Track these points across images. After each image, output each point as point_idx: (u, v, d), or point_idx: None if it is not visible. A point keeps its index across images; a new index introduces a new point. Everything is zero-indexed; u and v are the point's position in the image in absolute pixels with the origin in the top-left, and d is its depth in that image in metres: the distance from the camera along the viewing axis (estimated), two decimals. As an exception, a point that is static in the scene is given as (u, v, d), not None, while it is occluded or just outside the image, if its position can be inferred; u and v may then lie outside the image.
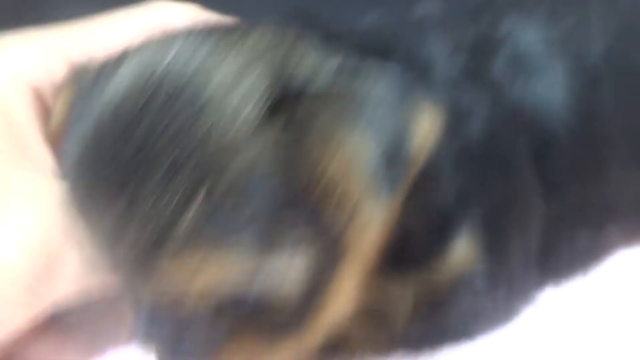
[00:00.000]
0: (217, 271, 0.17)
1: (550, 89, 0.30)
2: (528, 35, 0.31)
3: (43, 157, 0.22)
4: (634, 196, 0.33)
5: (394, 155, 0.19)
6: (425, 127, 0.20)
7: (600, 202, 0.32)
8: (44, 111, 0.23)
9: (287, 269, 0.19)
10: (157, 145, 0.16)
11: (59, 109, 0.22)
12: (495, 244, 0.28)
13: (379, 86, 0.19)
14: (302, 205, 0.18)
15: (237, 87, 0.18)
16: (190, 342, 0.19)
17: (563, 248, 0.32)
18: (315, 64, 0.19)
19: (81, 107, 0.19)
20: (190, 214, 0.16)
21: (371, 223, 0.20)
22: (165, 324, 0.19)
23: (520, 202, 0.29)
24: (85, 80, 0.20)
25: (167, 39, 0.19)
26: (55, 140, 0.23)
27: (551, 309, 0.31)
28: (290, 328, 0.21)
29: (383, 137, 0.18)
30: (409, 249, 0.24)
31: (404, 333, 0.29)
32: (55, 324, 0.24)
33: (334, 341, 0.29)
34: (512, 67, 0.29)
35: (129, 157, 0.16)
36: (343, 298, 0.22)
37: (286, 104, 0.18)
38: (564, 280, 0.33)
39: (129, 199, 0.16)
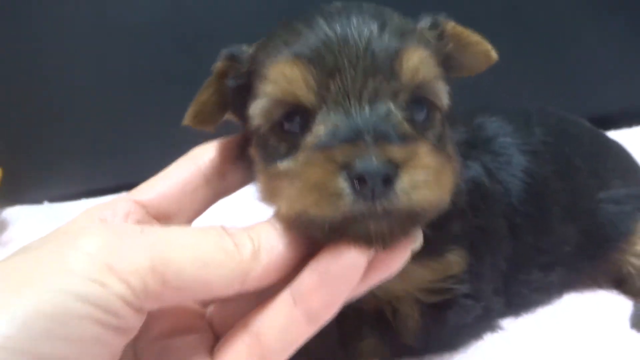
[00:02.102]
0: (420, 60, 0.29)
1: (510, 164, 0.42)
2: (492, 126, 0.44)
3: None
4: (573, 246, 0.43)
5: None
6: None
7: (548, 249, 0.42)
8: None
9: (445, 95, 0.31)
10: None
11: (208, 85, 0.33)
12: (475, 263, 0.37)
13: None
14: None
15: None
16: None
17: (520, 286, 0.41)
18: None
19: (288, 38, 0.30)
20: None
21: None
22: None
23: (494, 237, 0.40)
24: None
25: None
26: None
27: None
28: (443, 142, 0.31)
29: None
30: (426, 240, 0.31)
31: (409, 338, 0.37)
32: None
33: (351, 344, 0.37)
34: (487, 146, 0.42)
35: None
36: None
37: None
38: (522, 312, 0.42)
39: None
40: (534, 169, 0.42)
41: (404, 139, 0.27)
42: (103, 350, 0.24)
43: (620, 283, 0.45)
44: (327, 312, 0.27)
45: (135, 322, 0.25)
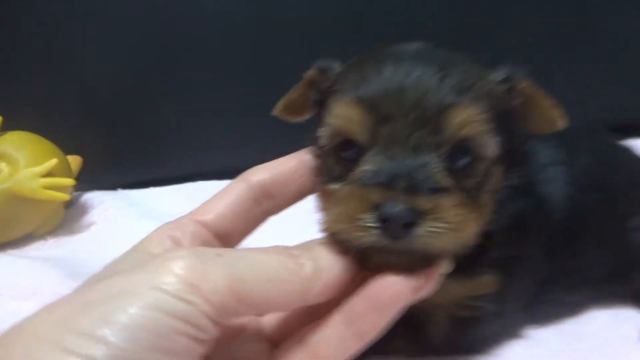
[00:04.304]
0: (466, 117, 0.32)
1: (556, 191, 0.46)
2: (545, 153, 0.47)
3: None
4: (602, 269, 0.47)
5: None
6: None
7: (578, 272, 0.47)
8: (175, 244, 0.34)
9: (492, 147, 0.34)
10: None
11: (298, 88, 0.39)
12: (505, 286, 0.42)
13: None
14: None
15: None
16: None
17: (546, 306, 0.47)
18: None
19: (356, 80, 0.34)
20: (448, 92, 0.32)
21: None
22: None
23: (529, 265, 0.44)
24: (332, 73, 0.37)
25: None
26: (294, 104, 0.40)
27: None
28: (480, 190, 0.34)
29: None
30: (465, 262, 0.35)
31: (436, 342, 0.43)
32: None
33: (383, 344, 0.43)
34: (537, 173, 0.46)
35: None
36: (491, 195, 0.36)
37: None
38: (546, 323, 0.47)
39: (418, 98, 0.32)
40: (578, 198, 0.46)
41: (433, 190, 0.31)
42: None
43: (643, 303, 0.49)
44: (375, 332, 0.31)
45: (214, 334, 0.28)
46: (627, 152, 0.53)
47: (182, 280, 0.27)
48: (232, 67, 0.81)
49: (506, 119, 0.36)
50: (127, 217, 0.73)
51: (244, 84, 0.81)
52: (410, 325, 0.42)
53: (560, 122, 0.36)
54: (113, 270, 0.31)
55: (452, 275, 0.35)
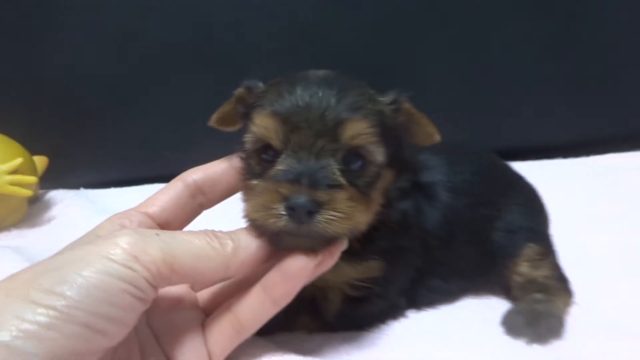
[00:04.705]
0: (358, 130, 0.41)
1: (435, 199, 0.54)
2: (433, 163, 0.56)
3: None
4: (469, 264, 0.56)
5: None
6: None
7: (450, 264, 0.55)
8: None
9: (380, 154, 0.42)
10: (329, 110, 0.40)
11: (230, 103, 0.46)
12: (389, 271, 0.50)
13: None
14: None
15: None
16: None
17: (424, 289, 0.55)
18: None
19: (273, 98, 0.42)
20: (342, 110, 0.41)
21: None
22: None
23: (409, 254, 0.52)
24: (256, 91, 0.45)
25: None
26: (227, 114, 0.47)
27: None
28: (370, 187, 0.42)
29: None
30: (357, 249, 0.44)
31: (331, 318, 0.50)
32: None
33: (290, 318, 0.50)
34: (424, 178, 0.55)
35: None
36: (380, 193, 0.45)
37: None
38: (424, 308, 0.56)
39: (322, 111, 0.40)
40: (452, 203, 0.54)
41: (330, 186, 0.39)
42: (132, 314, 0.33)
43: (508, 292, 0.58)
44: (286, 299, 0.38)
45: (152, 295, 0.34)
46: (503, 167, 0.63)
47: (126, 252, 0.33)
48: (191, 79, 0.89)
49: (393, 133, 0.45)
50: (85, 214, 0.80)
51: (200, 95, 0.86)
52: (313, 305, 0.51)
53: (435, 136, 0.45)
54: (68, 249, 0.36)
55: (345, 260, 0.44)
